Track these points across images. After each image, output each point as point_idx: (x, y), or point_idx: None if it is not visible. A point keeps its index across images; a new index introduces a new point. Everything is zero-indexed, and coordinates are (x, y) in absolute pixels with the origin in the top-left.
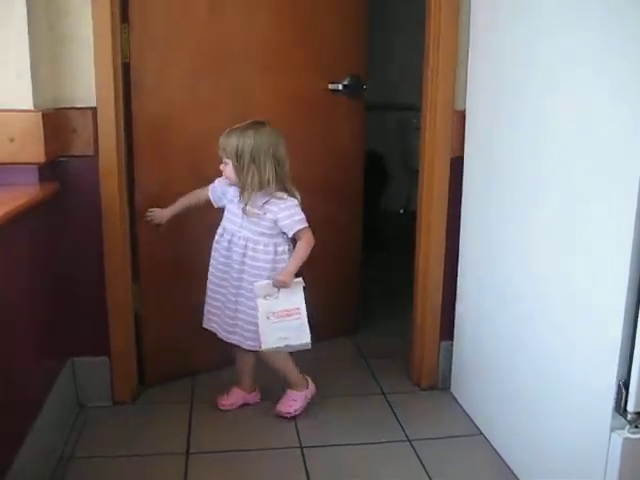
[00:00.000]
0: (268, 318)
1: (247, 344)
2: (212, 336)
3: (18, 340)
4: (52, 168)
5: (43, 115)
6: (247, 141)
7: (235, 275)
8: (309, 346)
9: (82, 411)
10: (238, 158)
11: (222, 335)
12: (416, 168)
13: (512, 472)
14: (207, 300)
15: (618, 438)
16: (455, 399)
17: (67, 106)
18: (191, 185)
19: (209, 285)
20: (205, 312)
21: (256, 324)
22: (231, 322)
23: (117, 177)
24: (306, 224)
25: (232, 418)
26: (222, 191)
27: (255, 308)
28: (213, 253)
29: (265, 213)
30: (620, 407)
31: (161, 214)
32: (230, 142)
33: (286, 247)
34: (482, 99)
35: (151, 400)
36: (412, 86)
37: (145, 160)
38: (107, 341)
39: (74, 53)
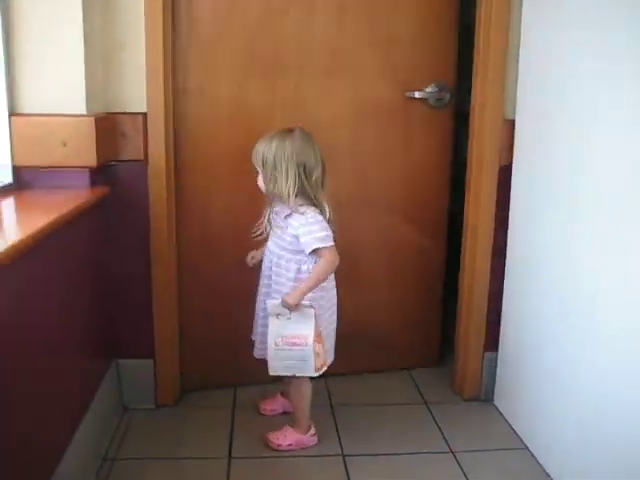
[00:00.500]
0: (276, 344)
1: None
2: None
3: (68, 341)
4: (103, 172)
5: (95, 120)
6: (271, 149)
7: (264, 290)
8: (315, 375)
9: (126, 413)
10: (263, 166)
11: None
12: None
13: None
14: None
15: None
16: (498, 411)
17: (118, 111)
18: (236, 194)
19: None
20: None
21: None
22: (260, 338)
23: (165, 182)
24: (328, 243)
25: (274, 424)
26: None
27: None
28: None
29: (287, 227)
30: None
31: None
32: (257, 150)
33: (311, 266)
34: (531, 109)
35: (193, 403)
36: None
37: (189, 166)
38: (152, 343)
39: (126, 59)
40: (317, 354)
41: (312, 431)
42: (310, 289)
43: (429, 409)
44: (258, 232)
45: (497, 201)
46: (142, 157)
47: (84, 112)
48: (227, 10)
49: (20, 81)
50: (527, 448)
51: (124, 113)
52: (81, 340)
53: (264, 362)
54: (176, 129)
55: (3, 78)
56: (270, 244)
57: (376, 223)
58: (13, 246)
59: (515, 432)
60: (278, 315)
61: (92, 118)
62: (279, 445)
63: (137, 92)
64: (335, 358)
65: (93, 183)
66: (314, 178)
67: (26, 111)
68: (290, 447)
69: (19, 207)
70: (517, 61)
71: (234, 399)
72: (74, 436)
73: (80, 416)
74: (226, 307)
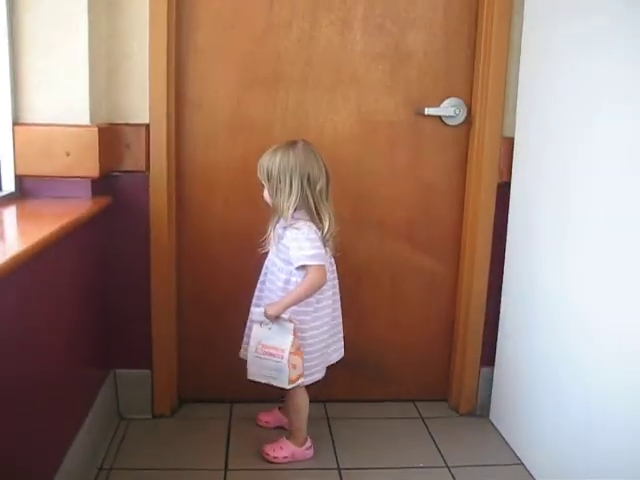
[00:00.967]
0: (256, 350)
1: None
2: None
3: (67, 351)
4: (105, 182)
5: (99, 130)
6: (275, 162)
7: (256, 293)
8: (287, 387)
9: (122, 423)
10: (268, 180)
11: None
12: None
13: None
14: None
15: None
16: (494, 426)
17: (121, 122)
18: (236, 205)
19: None
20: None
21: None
22: (247, 340)
23: (167, 193)
24: (316, 262)
25: (271, 436)
26: None
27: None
28: None
29: (282, 238)
30: None
31: None
32: (261, 164)
33: (299, 280)
34: (531, 126)
35: (190, 415)
36: None
37: (190, 178)
38: (150, 354)
39: (129, 71)
40: (294, 366)
41: (308, 444)
42: (291, 304)
43: (425, 424)
44: (265, 243)
45: (495, 218)
46: (144, 168)
47: (87, 122)
48: (230, 23)
49: (24, 91)
50: (522, 463)
51: (127, 124)
52: (79, 350)
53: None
54: (178, 141)
55: (8, 88)
56: (270, 256)
57: (381, 245)
58: (14, 257)
59: (510, 447)
60: (261, 323)
61: (95, 129)
62: (275, 457)
63: (140, 103)
64: (334, 385)
65: (95, 193)
66: (318, 188)
67: (30, 121)
68: (286, 459)
69: (21, 216)
70: (517, 78)
71: (231, 411)
72: (71, 445)
73: (77, 425)
74: (225, 319)
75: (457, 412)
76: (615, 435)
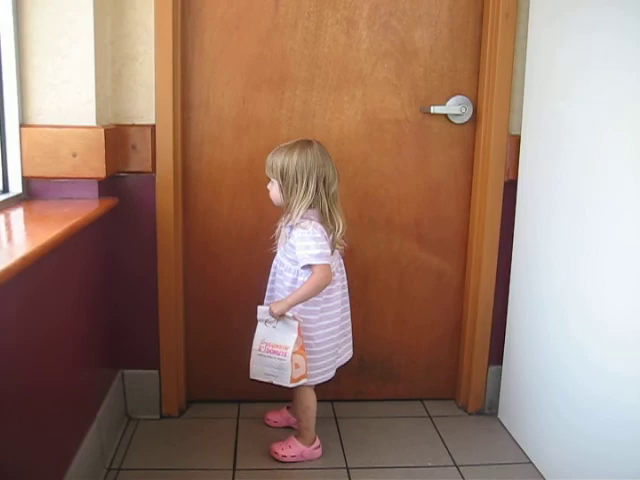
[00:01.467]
0: (259, 349)
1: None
2: None
3: (75, 351)
4: (111, 183)
5: (105, 131)
6: (292, 160)
7: (267, 294)
8: (288, 385)
9: (130, 423)
10: (283, 177)
11: None
12: None
13: None
14: None
15: None
16: (502, 425)
17: (127, 123)
18: (243, 205)
19: None
20: None
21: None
22: None
23: (173, 194)
24: (322, 261)
25: (279, 436)
26: None
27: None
28: None
29: (289, 238)
30: None
31: None
32: (276, 161)
33: (306, 279)
34: (537, 124)
35: (198, 415)
36: None
37: (196, 178)
38: (157, 354)
39: (135, 72)
40: (296, 365)
41: (316, 443)
42: (296, 302)
43: (433, 422)
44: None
45: (502, 216)
46: (150, 169)
47: (94, 124)
48: (235, 24)
49: (31, 93)
50: (531, 462)
51: (133, 125)
52: (87, 350)
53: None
54: (184, 141)
55: (14, 89)
56: (278, 255)
57: (389, 244)
58: (22, 258)
59: (519, 446)
60: (266, 322)
61: (102, 129)
62: (283, 456)
63: (146, 104)
64: (342, 384)
65: (102, 194)
66: (332, 191)
67: (36, 122)
68: (294, 459)
69: (28, 218)
70: (523, 76)
71: (238, 411)
72: (80, 446)
73: (86, 426)
74: (232, 319)
75: (465, 411)
76: (625, 433)
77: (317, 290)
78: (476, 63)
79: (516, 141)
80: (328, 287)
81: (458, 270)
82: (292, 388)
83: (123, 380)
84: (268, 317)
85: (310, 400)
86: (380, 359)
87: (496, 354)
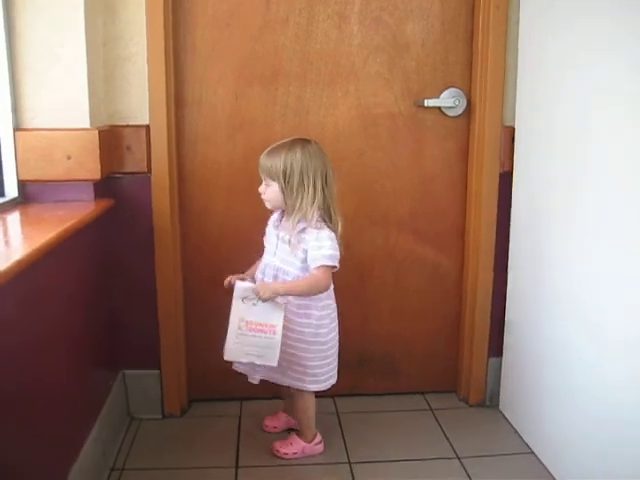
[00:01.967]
0: (240, 328)
1: (284, 381)
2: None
3: (75, 353)
4: (107, 185)
5: (99, 133)
6: (296, 159)
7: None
8: (275, 365)
9: (133, 423)
10: (286, 178)
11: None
12: None
13: None
14: None
15: None
16: (504, 416)
17: (122, 124)
18: (239, 204)
19: None
20: None
21: (292, 362)
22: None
23: (169, 194)
24: (333, 263)
25: (281, 433)
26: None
27: (290, 346)
28: None
29: (299, 242)
30: None
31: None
32: (275, 161)
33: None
34: (531, 115)
35: (200, 414)
36: None
37: (192, 177)
38: (158, 354)
39: (128, 72)
40: (280, 342)
41: (317, 439)
42: (286, 294)
43: (435, 415)
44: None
45: (498, 207)
46: (145, 169)
47: (88, 125)
48: (226, 21)
49: (24, 96)
50: (533, 453)
51: (127, 126)
52: (87, 352)
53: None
54: (179, 141)
55: (8, 93)
56: (273, 259)
57: (386, 239)
58: (19, 261)
59: (521, 437)
60: (244, 299)
61: (96, 131)
62: (285, 453)
63: (140, 105)
64: (342, 379)
65: (97, 196)
66: (335, 190)
67: (30, 126)
68: (296, 455)
69: (25, 221)
70: (516, 67)
71: (240, 409)
72: (83, 447)
73: (89, 427)
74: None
75: (467, 403)
76: (625, 421)
77: (313, 291)
78: (468, 55)
79: (510, 132)
80: (331, 288)
81: (455, 263)
82: (291, 389)
83: (124, 380)
84: (249, 294)
85: (310, 400)
86: (380, 353)
87: (496, 346)
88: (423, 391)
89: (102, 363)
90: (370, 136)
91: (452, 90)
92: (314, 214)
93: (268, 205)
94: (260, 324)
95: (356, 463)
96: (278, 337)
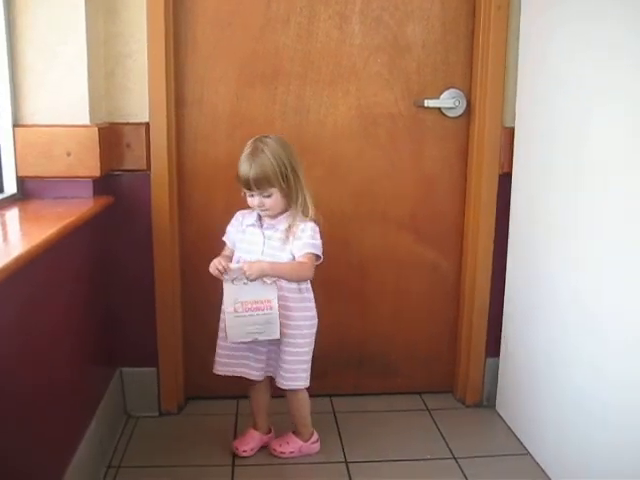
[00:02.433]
0: (236, 310)
1: (276, 380)
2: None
3: (72, 350)
4: (106, 182)
5: (99, 130)
6: (284, 157)
7: None
8: (277, 337)
9: (130, 420)
10: (284, 177)
11: (253, 375)
12: None
13: None
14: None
15: None
16: (501, 417)
17: (121, 121)
18: (237, 202)
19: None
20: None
21: (282, 360)
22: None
23: (168, 191)
24: (318, 252)
25: (278, 432)
26: (235, 232)
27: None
28: None
29: (288, 237)
30: None
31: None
32: (266, 167)
33: (309, 285)
34: (531, 116)
35: (197, 411)
36: None
37: (191, 175)
38: (155, 352)
39: (129, 69)
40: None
41: (314, 438)
42: (274, 274)
43: (431, 415)
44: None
45: (497, 208)
46: (145, 167)
47: (87, 122)
48: (228, 20)
49: (24, 92)
50: (529, 454)
51: (127, 123)
52: (85, 349)
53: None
54: (178, 139)
55: (7, 90)
56: (262, 259)
57: (385, 239)
58: (17, 258)
59: (517, 438)
60: (233, 280)
61: (95, 128)
62: (282, 452)
63: (140, 102)
64: (339, 379)
65: (97, 193)
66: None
67: (30, 122)
68: (292, 454)
69: (24, 218)
70: (516, 68)
71: (237, 407)
72: (80, 444)
73: (85, 424)
74: None
75: (463, 404)
76: (622, 422)
77: (298, 276)
78: (469, 56)
79: (510, 133)
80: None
81: (454, 263)
82: (284, 389)
83: (121, 378)
84: (238, 275)
85: (303, 398)
86: (377, 353)
87: (493, 346)
88: (420, 391)
89: (99, 360)
90: (370, 136)
91: (452, 91)
92: (312, 205)
93: (269, 215)
94: (256, 302)
95: (353, 462)
96: (275, 311)
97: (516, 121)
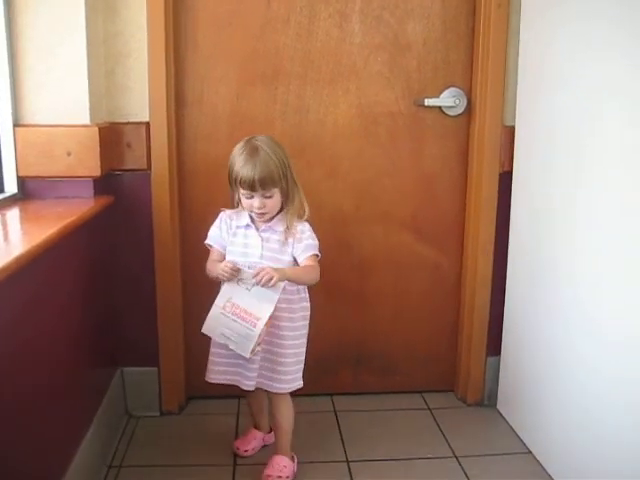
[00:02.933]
0: (224, 307)
1: (274, 386)
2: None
3: (73, 350)
4: (107, 182)
5: (99, 130)
6: (282, 156)
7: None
8: (247, 356)
9: (131, 420)
10: (285, 176)
11: (245, 385)
12: None
13: None
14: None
15: None
16: (502, 416)
17: (122, 121)
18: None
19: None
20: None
21: (281, 363)
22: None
23: (169, 191)
24: (319, 253)
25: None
26: (224, 235)
27: (281, 346)
28: None
29: (287, 239)
30: None
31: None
32: (270, 166)
33: (306, 289)
34: (531, 115)
35: (198, 411)
36: None
37: (192, 174)
38: (157, 352)
39: (129, 69)
40: (260, 336)
41: (295, 459)
42: (298, 280)
43: (432, 414)
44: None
45: (498, 207)
46: (145, 166)
47: (88, 122)
48: (228, 20)
49: (24, 92)
50: (530, 452)
51: (127, 123)
52: (86, 349)
53: None
54: (179, 138)
55: (8, 89)
56: (261, 262)
57: (386, 238)
58: (18, 257)
59: (518, 436)
60: (239, 280)
61: (96, 128)
62: (281, 477)
63: (140, 102)
64: (340, 378)
65: (97, 193)
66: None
67: (30, 122)
68: (290, 477)
69: (24, 217)
70: (517, 67)
71: (238, 406)
72: (81, 444)
73: (86, 424)
74: None
75: (465, 402)
76: (623, 422)
77: (311, 279)
78: (469, 55)
79: (510, 132)
80: None
81: (455, 262)
82: (275, 395)
83: (123, 378)
84: (246, 276)
85: (289, 402)
86: (378, 352)
87: (494, 345)
88: (421, 390)
89: (100, 360)
90: (370, 135)
91: (452, 89)
92: (305, 204)
93: (266, 217)
94: (245, 311)
95: (354, 461)
96: (257, 331)
97: (516, 120)
